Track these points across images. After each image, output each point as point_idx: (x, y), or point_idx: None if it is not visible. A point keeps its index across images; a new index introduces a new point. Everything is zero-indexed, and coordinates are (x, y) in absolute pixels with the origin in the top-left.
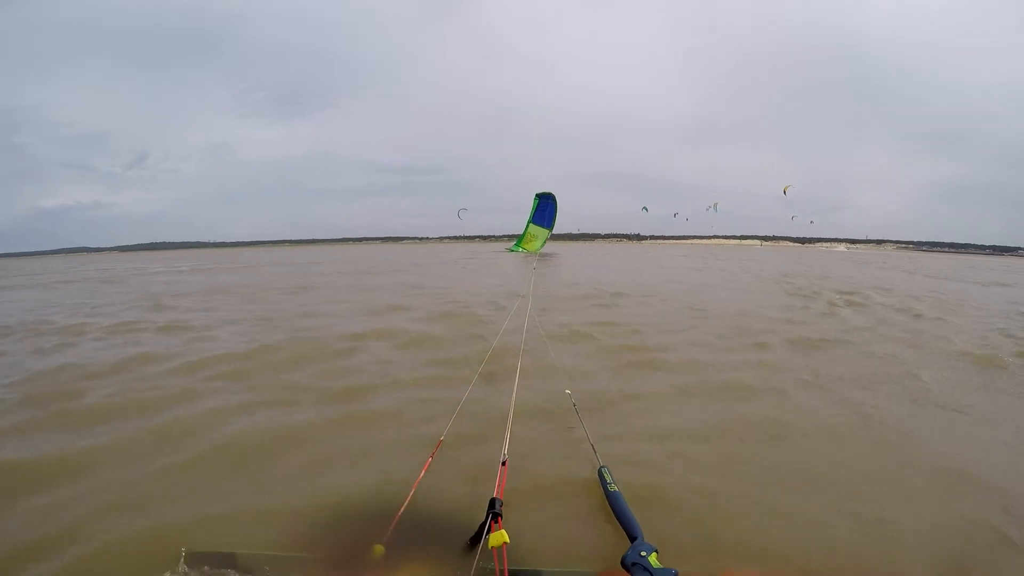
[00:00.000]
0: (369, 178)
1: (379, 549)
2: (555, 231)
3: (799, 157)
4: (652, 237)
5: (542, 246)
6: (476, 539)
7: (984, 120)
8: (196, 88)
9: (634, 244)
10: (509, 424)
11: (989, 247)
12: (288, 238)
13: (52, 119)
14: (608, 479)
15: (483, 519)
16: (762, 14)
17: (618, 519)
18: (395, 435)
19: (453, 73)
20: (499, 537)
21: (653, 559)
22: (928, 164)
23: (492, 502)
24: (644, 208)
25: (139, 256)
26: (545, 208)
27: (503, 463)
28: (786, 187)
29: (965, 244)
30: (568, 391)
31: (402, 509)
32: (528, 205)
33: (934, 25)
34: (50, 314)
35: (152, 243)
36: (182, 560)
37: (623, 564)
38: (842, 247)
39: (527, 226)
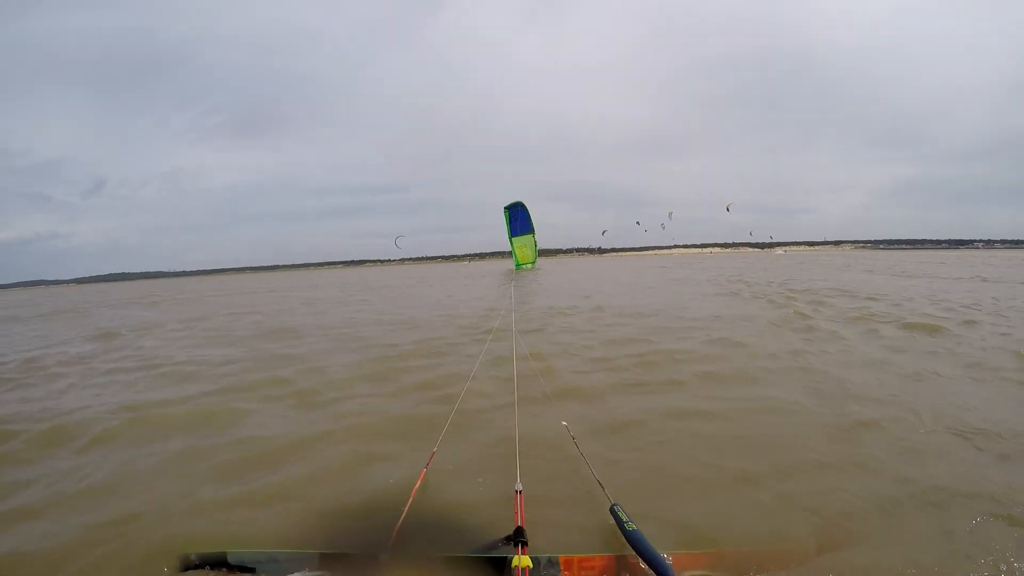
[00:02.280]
0: (329, 199)
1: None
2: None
3: (753, 165)
4: (614, 250)
5: (536, 249)
6: (498, 566)
7: (933, 121)
8: (152, 113)
9: (596, 257)
10: (517, 453)
11: (944, 241)
12: (250, 265)
13: (5, 147)
14: (623, 517)
15: (504, 544)
16: (708, 24)
17: (644, 559)
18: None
19: (410, 95)
20: (524, 560)
21: None
22: (880, 166)
23: (519, 531)
24: (637, 222)
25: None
26: (516, 217)
27: (518, 492)
28: (728, 204)
29: (921, 240)
30: (564, 423)
31: (402, 517)
32: (496, 222)
33: (879, 31)
34: None
35: (111, 274)
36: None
37: None
38: (781, 251)
39: (511, 243)
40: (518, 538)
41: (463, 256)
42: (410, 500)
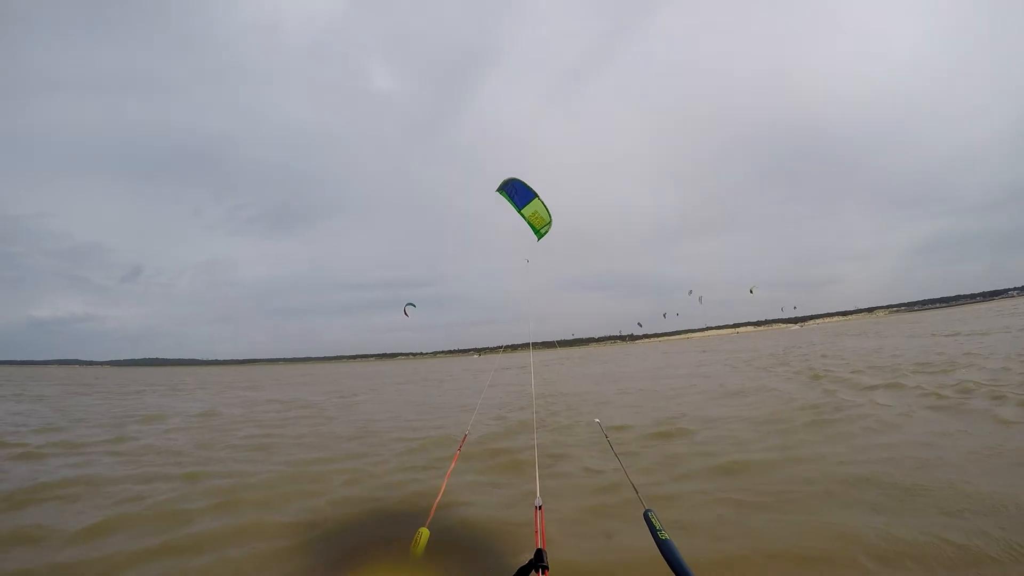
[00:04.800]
0: (360, 294)
1: (424, 532)
2: (549, 339)
3: (780, 240)
4: (645, 336)
5: (547, 210)
6: None
7: (950, 177)
8: (189, 205)
9: (629, 345)
10: (537, 468)
11: (978, 294)
12: (282, 356)
13: (48, 230)
14: (657, 525)
15: (521, 566)
16: (730, 109)
17: (673, 570)
18: None
19: (438, 189)
20: None
21: None
22: (904, 227)
23: (539, 554)
24: (691, 293)
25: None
26: (515, 191)
27: (539, 507)
28: (752, 287)
29: (955, 296)
30: (597, 420)
31: (439, 498)
32: (512, 316)
33: (889, 100)
34: None
35: (146, 359)
36: None
37: None
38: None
39: (521, 215)
40: (538, 563)
41: (495, 348)
42: (445, 481)
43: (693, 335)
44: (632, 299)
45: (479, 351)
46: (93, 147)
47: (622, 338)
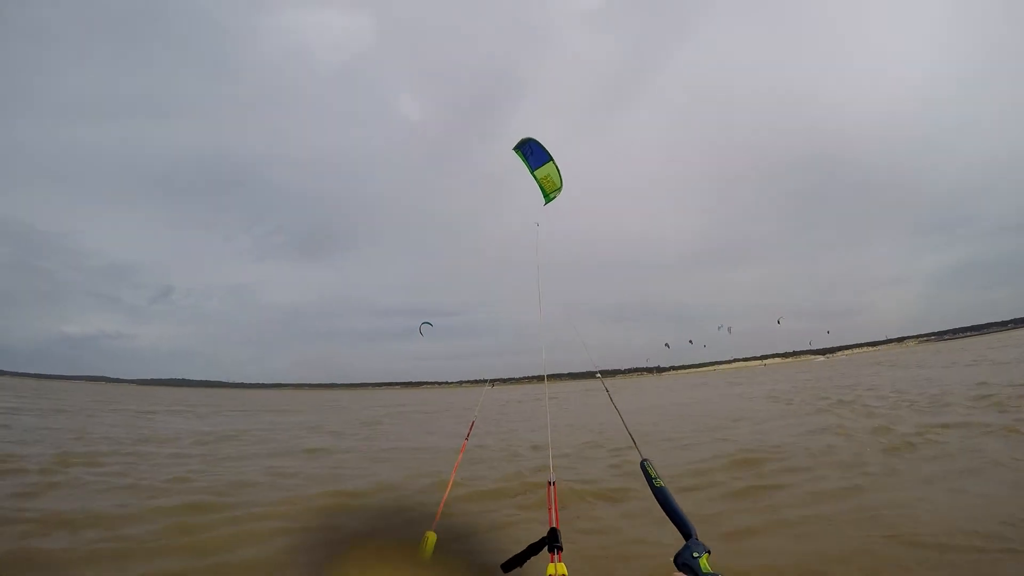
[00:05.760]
0: (386, 321)
1: (431, 536)
2: (575, 370)
3: (806, 268)
4: (672, 368)
5: (559, 174)
6: (518, 562)
7: (978, 197)
8: (221, 228)
9: (656, 377)
10: (550, 444)
11: (1010, 321)
12: (307, 381)
13: (81, 248)
14: (652, 474)
15: (532, 543)
16: (755, 134)
17: (668, 516)
18: None
19: (465, 218)
20: (560, 568)
21: (704, 562)
22: (931, 252)
23: (553, 533)
24: (720, 328)
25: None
26: (531, 151)
27: (551, 483)
28: (780, 318)
29: (986, 324)
30: (606, 389)
31: (447, 492)
32: (531, 346)
33: (913, 119)
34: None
35: (172, 379)
36: None
37: (675, 563)
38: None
39: (534, 177)
40: (552, 542)
41: (519, 378)
42: (454, 472)
43: (720, 367)
44: (656, 330)
45: (492, 382)
46: (128, 167)
47: (648, 370)
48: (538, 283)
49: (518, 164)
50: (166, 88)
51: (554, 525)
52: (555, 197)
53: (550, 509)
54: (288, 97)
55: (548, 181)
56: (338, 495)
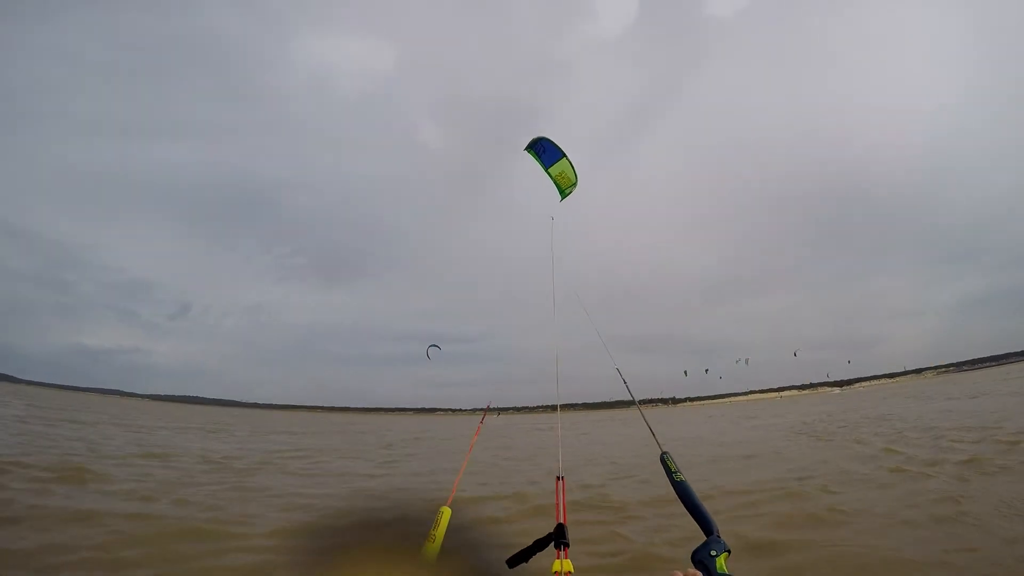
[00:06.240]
0: (401, 347)
1: (446, 512)
2: (589, 399)
3: (823, 299)
4: (688, 399)
5: (573, 170)
6: (523, 557)
7: (996, 227)
8: (241, 248)
9: (672, 408)
10: (559, 441)
11: None
12: (320, 404)
13: (102, 262)
14: (672, 467)
15: (539, 539)
16: (774, 165)
17: (689, 512)
18: None
19: (483, 245)
20: (567, 565)
21: (721, 562)
22: (949, 283)
23: (560, 529)
24: (738, 361)
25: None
26: (543, 149)
27: (559, 479)
28: (796, 350)
29: (1005, 354)
30: (616, 368)
31: (460, 473)
32: (547, 373)
33: (928, 150)
34: None
35: (185, 395)
36: None
37: (692, 559)
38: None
39: (548, 175)
40: (559, 538)
41: (533, 407)
42: (467, 457)
43: (736, 398)
44: (671, 361)
45: (499, 411)
46: (152, 185)
47: (664, 401)
48: (551, 276)
49: (534, 171)
50: (194, 111)
51: (561, 521)
52: (571, 192)
53: (558, 505)
54: (311, 123)
55: (563, 177)
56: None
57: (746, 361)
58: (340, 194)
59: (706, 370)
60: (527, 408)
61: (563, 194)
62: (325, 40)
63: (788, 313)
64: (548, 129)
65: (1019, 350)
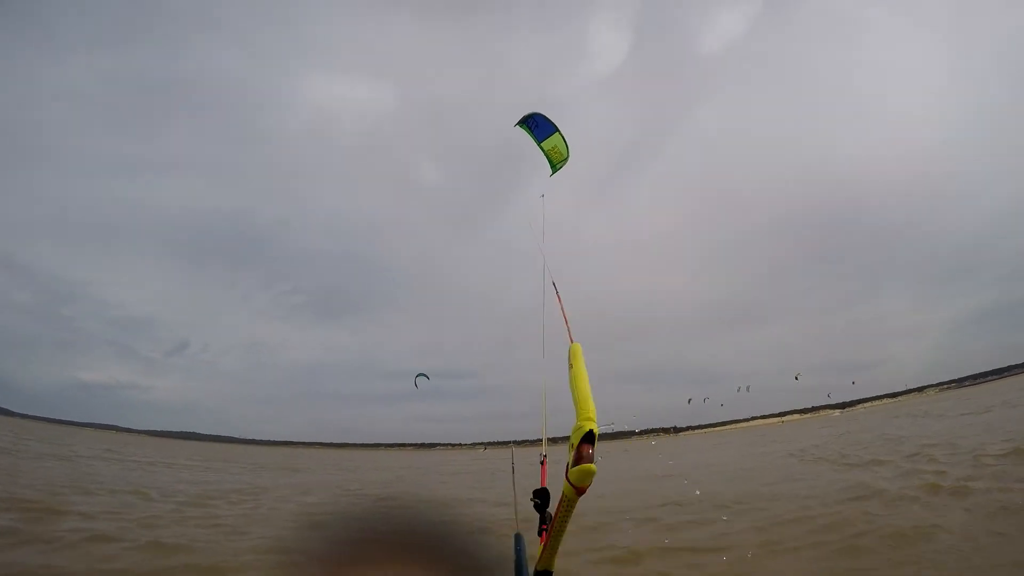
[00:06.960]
0: (400, 383)
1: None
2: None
3: (823, 322)
4: (690, 428)
5: (566, 146)
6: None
7: (990, 245)
8: (240, 286)
9: (674, 437)
10: (544, 429)
11: None
12: (319, 440)
13: (101, 298)
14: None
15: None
16: (770, 191)
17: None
18: None
19: (481, 282)
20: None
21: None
22: (948, 300)
23: (541, 492)
24: (739, 389)
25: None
26: (536, 124)
27: (543, 458)
28: (797, 374)
29: (1007, 367)
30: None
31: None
32: (531, 410)
33: (922, 168)
34: None
35: (182, 431)
36: None
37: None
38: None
39: (541, 149)
40: (541, 501)
41: (535, 440)
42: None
43: (739, 425)
44: (670, 391)
45: (484, 445)
46: (153, 224)
47: (665, 430)
48: (543, 258)
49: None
50: (194, 150)
51: (543, 486)
52: (561, 167)
53: (543, 477)
54: (310, 161)
55: (555, 152)
56: None
57: (747, 388)
58: (339, 232)
59: (704, 399)
60: (527, 441)
61: (554, 168)
62: (327, 80)
63: (788, 340)
64: (545, 169)
65: (1020, 362)
